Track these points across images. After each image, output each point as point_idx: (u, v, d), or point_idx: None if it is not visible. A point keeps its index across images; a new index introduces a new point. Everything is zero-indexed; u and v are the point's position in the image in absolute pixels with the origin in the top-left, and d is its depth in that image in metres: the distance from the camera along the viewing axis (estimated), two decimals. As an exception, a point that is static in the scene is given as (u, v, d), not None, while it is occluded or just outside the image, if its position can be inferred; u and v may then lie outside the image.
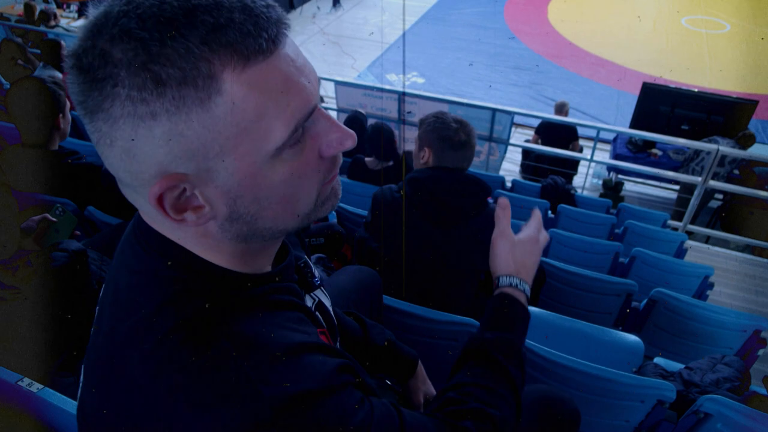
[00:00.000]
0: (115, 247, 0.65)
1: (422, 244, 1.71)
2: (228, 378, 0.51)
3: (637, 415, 1.45)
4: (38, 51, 5.16)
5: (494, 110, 5.30)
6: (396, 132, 5.71)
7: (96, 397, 0.56)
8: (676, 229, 4.66)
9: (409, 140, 5.78)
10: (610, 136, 6.43)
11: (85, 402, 0.58)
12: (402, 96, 5.70)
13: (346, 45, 9.92)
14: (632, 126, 5.81)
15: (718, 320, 2.17)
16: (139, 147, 0.48)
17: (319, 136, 0.56)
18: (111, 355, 0.55)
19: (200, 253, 0.58)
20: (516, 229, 0.97)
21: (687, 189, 5.14)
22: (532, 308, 1.79)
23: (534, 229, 0.98)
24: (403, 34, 10.93)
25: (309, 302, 0.73)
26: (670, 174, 4.95)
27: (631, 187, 6.26)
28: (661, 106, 5.70)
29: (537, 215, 1.03)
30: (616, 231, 3.48)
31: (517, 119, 6.22)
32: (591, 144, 5.33)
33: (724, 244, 4.76)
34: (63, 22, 8.49)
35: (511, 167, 6.32)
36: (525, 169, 6.01)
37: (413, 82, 9.15)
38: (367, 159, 3.33)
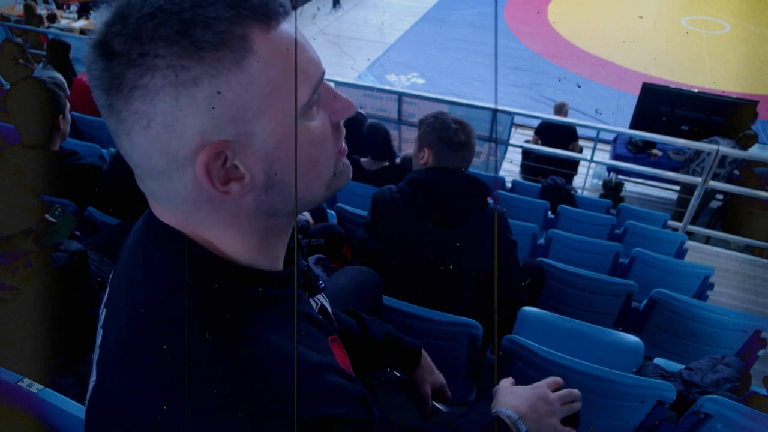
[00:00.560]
0: (115, 247, 0.64)
1: (422, 245, 1.71)
2: (253, 388, 0.51)
3: (637, 415, 1.45)
4: (36, 51, 5.18)
5: (494, 111, 5.30)
6: (395, 132, 5.75)
7: (113, 397, 0.55)
8: (676, 229, 4.66)
9: (407, 141, 5.79)
10: (610, 137, 6.43)
11: (99, 401, 0.57)
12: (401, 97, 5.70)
13: (346, 45, 9.92)
14: (632, 126, 5.81)
15: (719, 320, 2.16)
16: (181, 118, 0.49)
17: (326, 104, 0.59)
18: (130, 356, 0.55)
19: (223, 239, 0.58)
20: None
21: (687, 189, 5.14)
22: (532, 309, 1.79)
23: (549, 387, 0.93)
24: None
25: (313, 305, 0.73)
26: (670, 174, 4.95)
27: (631, 187, 6.26)
28: (661, 106, 5.70)
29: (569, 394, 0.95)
30: (616, 231, 3.47)
31: (517, 120, 6.22)
32: (591, 144, 5.33)
33: (724, 244, 4.76)
34: (63, 23, 8.50)
35: (511, 168, 6.32)
36: (525, 169, 6.01)
37: (413, 82, 9.16)
38: (362, 160, 3.33)
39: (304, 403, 0.52)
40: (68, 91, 2.07)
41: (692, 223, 4.84)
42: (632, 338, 1.73)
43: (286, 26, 0.53)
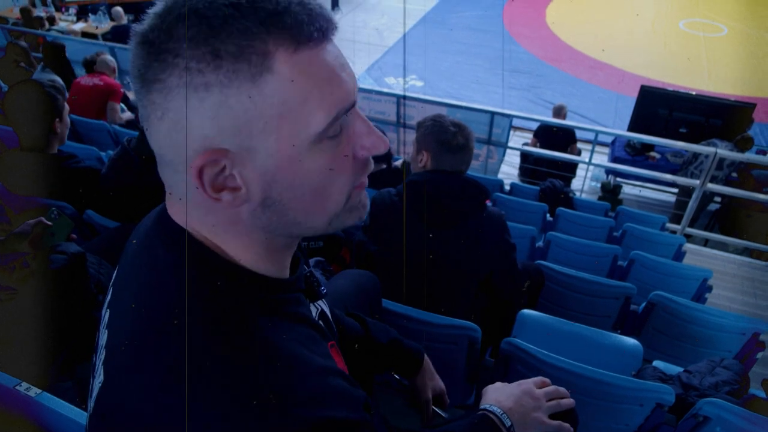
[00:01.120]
0: (114, 250, 0.64)
1: (421, 247, 1.71)
2: (258, 389, 0.51)
3: (636, 418, 1.45)
4: (35, 54, 5.19)
5: (493, 113, 5.31)
6: (394, 135, 5.76)
7: (121, 398, 0.55)
8: (674, 232, 4.67)
9: (406, 143, 5.79)
10: (609, 139, 6.44)
11: (107, 402, 0.57)
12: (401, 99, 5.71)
13: (345, 48, 9.87)
14: (630, 129, 5.82)
15: (717, 323, 2.17)
16: (188, 118, 0.51)
17: (355, 136, 0.58)
18: (138, 356, 0.55)
19: (228, 243, 0.58)
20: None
21: (685, 192, 5.15)
22: (531, 311, 1.79)
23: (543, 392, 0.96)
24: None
25: (313, 311, 0.73)
26: (668, 177, 4.96)
27: (629, 190, 6.27)
28: (660, 109, 5.71)
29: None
30: (615, 234, 3.48)
31: (516, 122, 6.23)
32: (589, 147, 5.33)
33: (722, 246, 4.76)
34: (62, 25, 8.50)
35: (509, 170, 6.33)
36: (523, 172, 6.02)
37: (412, 85, 9.17)
38: None
39: (310, 404, 0.52)
40: (67, 94, 2.07)
41: (690, 225, 4.85)
42: (631, 341, 1.73)
43: (324, 49, 0.53)
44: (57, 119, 1.95)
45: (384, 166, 3.32)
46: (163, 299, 0.55)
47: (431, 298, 1.70)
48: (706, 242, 4.95)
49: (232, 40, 0.48)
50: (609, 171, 5.87)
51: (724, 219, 5.43)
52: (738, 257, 4.41)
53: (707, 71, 9.67)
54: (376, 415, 0.64)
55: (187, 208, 0.58)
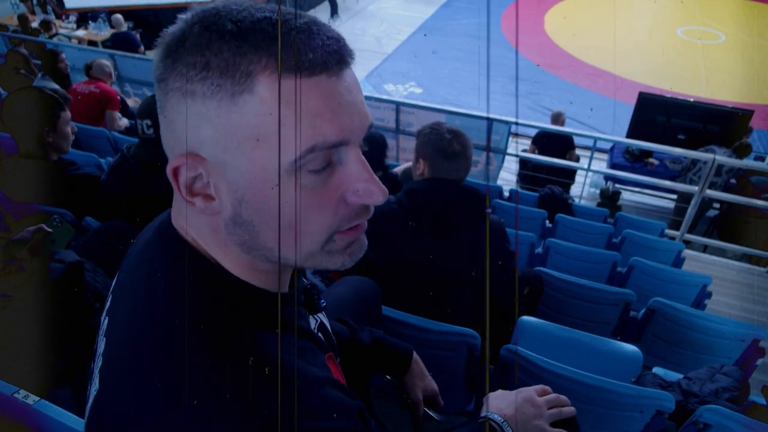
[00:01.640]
0: (99, 249, 0.66)
1: (420, 255, 1.71)
2: (253, 402, 0.51)
3: (635, 425, 1.44)
4: (35, 61, 5.19)
5: (491, 120, 5.32)
6: (392, 141, 5.76)
7: (115, 405, 0.55)
8: (673, 238, 4.67)
9: (405, 150, 5.80)
10: (607, 146, 6.45)
11: (101, 409, 0.58)
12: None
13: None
14: (629, 135, 5.83)
15: (717, 329, 2.16)
16: (177, 120, 0.53)
17: (347, 180, 0.56)
18: (132, 364, 0.55)
19: (221, 255, 0.59)
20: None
21: (684, 198, 5.15)
22: (530, 318, 1.79)
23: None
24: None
25: (312, 323, 0.73)
26: (667, 183, 4.97)
27: (628, 196, 6.27)
28: (658, 115, 5.72)
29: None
30: (614, 240, 3.48)
31: (515, 129, 6.24)
32: (588, 153, 5.34)
33: (721, 253, 4.76)
34: (62, 32, 8.52)
35: (508, 177, 6.33)
36: (522, 178, 6.02)
37: (411, 92, 9.19)
38: None
39: (306, 417, 0.52)
40: (68, 103, 2.07)
41: (689, 231, 4.85)
42: (630, 348, 1.73)
43: (320, 82, 0.51)
44: (48, 129, 1.94)
45: (380, 173, 3.33)
46: (160, 310, 0.56)
47: (430, 306, 1.69)
48: (705, 248, 4.95)
49: (223, 55, 0.50)
50: (608, 177, 5.88)
51: (723, 225, 5.43)
52: (737, 263, 4.41)
53: (705, 78, 9.71)
54: (371, 422, 0.64)
55: (179, 207, 0.60)
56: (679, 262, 3.32)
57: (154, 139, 1.91)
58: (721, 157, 4.48)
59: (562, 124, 5.67)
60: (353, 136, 0.54)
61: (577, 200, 5.06)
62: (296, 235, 0.55)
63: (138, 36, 8.50)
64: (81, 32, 8.71)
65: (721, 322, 2.17)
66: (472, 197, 1.71)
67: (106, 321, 0.62)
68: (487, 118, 5.32)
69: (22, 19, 7.69)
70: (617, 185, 5.89)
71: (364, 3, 13.34)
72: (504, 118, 5.40)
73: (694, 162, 5.13)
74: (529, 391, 0.94)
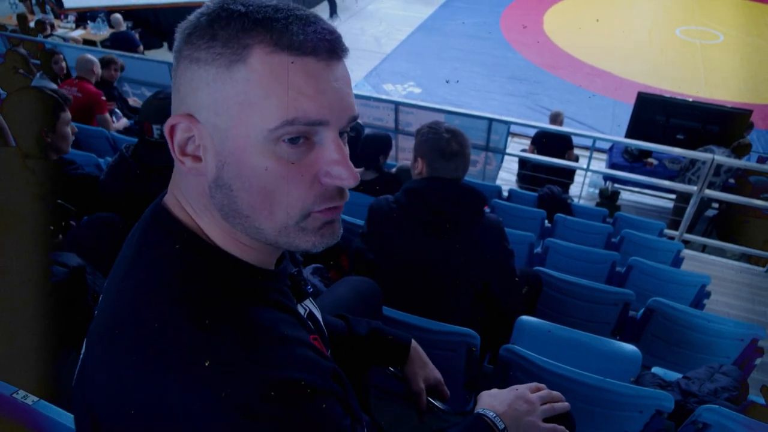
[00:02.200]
0: (86, 241, 0.69)
1: (419, 255, 1.71)
2: (224, 358, 0.54)
3: (635, 425, 1.44)
4: (34, 61, 5.19)
5: (491, 120, 5.33)
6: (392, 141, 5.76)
7: (97, 368, 0.59)
8: (672, 238, 4.67)
9: (404, 150, 5.80)
10: (606, 146, 6.46)
11: (81, 376, 0.62)
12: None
13: (348, 56, 9.91)
14: (628, 135, 5.84)
15: (716, 329, 2.17)
16: (182, 84, 0.59)
17: (322, 160, 0.59)
18: (114, 328, 0.58)
19: (207, 225, 0.63)
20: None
21: (683, 198, 5.16)
22: (529, 318, 1.79)
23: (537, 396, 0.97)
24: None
25: (301, 311, 0.74)
26: (666, 183, 4.97)
27: (627, 196, 6.28)
28: (657, 115, 5.73)
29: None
30: (613, 240, 3.48)
31: (514, 129, 6.24)
32: (587, 153, 5.34)
33: (720, 252, 4.77)
34: (60, 32, 8.51)
35: (508, 177, 6.34)
36: (522, 178, 6.03)
37: (410, 92, 9.19)
38: (357, 170, 3.33)
39: (276, 366, 0.55)
40: (68, 103, 2.06)
41: (688, 231, 4.85)
42: (630, 347, 1.73)
43: (311, 63, 0.56)
44: (47, 129, 1.94)
45: (377, 174, 3.33)
46: (142, 278, 0.60)
47: (430, 305, 1.69)
48: (704, 248, 4.96)
49: (228, 29, 0.56)
50: (607, 177, 5.88)
51: (721, 225, 5.44)
52: (736, 263, 4.41)
53: (704, 78, 9.72)
54: (367, 418, 0.65)
55: (175, 174, 0.65)
56: (678, 261, 3.33)
57: (164, 144, 1.92)
58: (719, 157, 4.48)
59: (560, 124, 5.67)
60: (333, 118, 0.58)
61: (576, 200, 5.07)
62: (270, 205, 0.59)
63: (137, 35, 8.50)
64: (77, 32, 8.69)
65: (720, 322, 2.17)
66: (470, 196, 1.71)
67: (101, 298, 0.66)
68: (487, 118, 5.32)
69: (21, 19, 7.69)
70: (616, 185, 5.90)
71: (363, 3, 13.35)
72: (503, 117, 5.39)
73: (693, 162, 5.13)
74: (522, 388, 0.97)
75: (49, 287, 1.27)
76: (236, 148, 0.57)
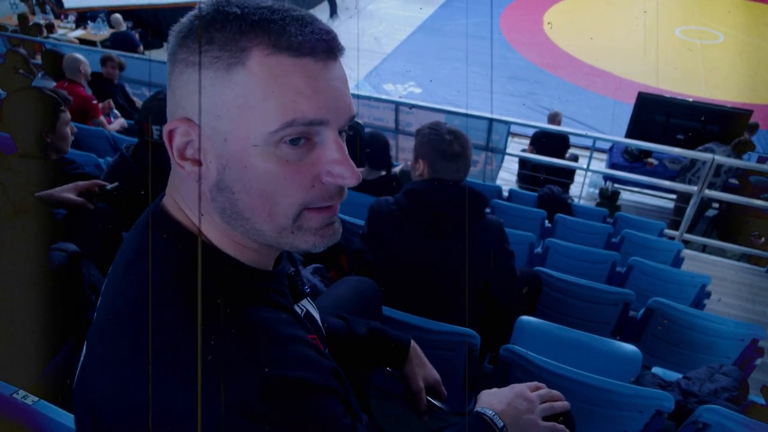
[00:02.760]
0: (77, 232, 0.69)
1: (419, 255, 1.70)
2: (223, 358, 0.54)
3: (635, 425, 1.44)
4: (33, 61, 5.18)
5: (491, 120, 5.33)
6: (392, 141, 5.76)
7: (97, 369, 0.59)
8: (672, 238, 4.67)
9: (404, 150, 5.80)
10: (606, 146, 6.46)
11: (83, 375, 0.62)
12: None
13: (343, 55, 9.93)
14: (628, 135, 5.84)
15: (716, 329, 2.16)
16: (178, 88, 0.59)
17: (323, 159, 0.59)
18: (113, 328, 0.59)
19: (206, 227, 0.63)
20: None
21: (684, 198, 5.16)
22: (529, 318, 1.79)
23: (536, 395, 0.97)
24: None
25: (298, 311, 0.74)
26: (666, 183, 4.97)
27: (627, 196, 6.28)
28: (657, 115, 5.73)
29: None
30: (613, 240, 3.48)
31: (514, 129, 6.25)
32: (587, 153, 5.34)
33: (720, 252, 4.77)
34: (60, 32, 8.52)
35: (508, 177, 6.34)
36: (522, 178, 6.03)
37: (410, 92, 9.19)
38: (359, 169, 3.33)
39: (275, 365, 0.56)
40: (68, 104, 2.06)
41: (689, 231, 4.85)
42: (630, 347, 1.73)
43: (308, 64, 0.56)
44: (47, 129, 1.94)
45: (383, 172, 3.32)
46: (143, 278, 0.60)
47: (429, 306, 1.69)
48: (704, 248, 4.95)
49: (225, 32, 0.55)
50: (607, 177, 5.88)
51: (722, 225, 5.44)
52: (736, 263, 4.41)
53: (704, 78, 9.72)
54: (366, 417, 0.65)
55: (173, 177, 0.65)
56: (678, 261, 3.32)
57: (164, 145, 1.92)
58: (719, 157, 4.48)
59: (558, 123, 5.67)
60: (332, 118, 0.58)
61: (576, 200, 5.07)
62: (270, 207, 0.59)
63: (137, 36, 8.50)
64: (77, 33, 8.69)
65: (720, 322, 2.17)
66: (471, 197, 1.70)
67: (100, 299, 0.66)
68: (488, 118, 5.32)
69: (22, 19, 7.69)
70: (616, 185, 5.90)
71: (363, 3, 13.34)
72: (503, 117, 5.39)
73: (693, 162, 5.13)
74: (521, 387, 0.96)
75: (49, 274, 1.27)
76: (237, 151, 0.57)
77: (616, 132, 7.33)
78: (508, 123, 5.35)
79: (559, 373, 1.43)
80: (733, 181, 5.38)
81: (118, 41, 7.96)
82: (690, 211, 4.62)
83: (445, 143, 1.71)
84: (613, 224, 3.88)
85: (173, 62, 0.59)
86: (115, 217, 1.75)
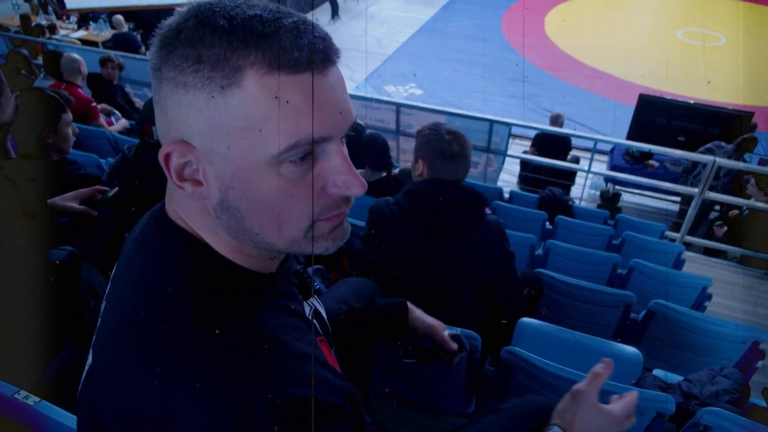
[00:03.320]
0: (78, 235, 0.68)
1: (419, 257, 1.70)
2: (235, 370, 0.53)
3: (636, 427, 1.44)
4: (35, 61, 5.19)
5: (492, 122, 5.33)
6: (393, 143, 5.76)
7: (101, 376, 0.58)
8: (673, 240, 4.67)
9: (405, 151, 5.80)
10: (608, 148, 6.45)
11: (90, 382, 0.61)
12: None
13: (345, 57, 9.80)
14: (629, 137, 5.84)
15: (717, 332, 2.16)
16: (170, 109, 0.56)
17: (328, 171, 0.58)
18: (118, 336, 0.58)
19: (211, 238, 0.62)
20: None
21: (688, 201, 5.15)
22: (530, 320, 1.79)
23: (620, 410, 0.97)
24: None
25: (306, 309, 0.74)
26: (667, 185, 4.97)
27: (628, 198, 6.27)
28: (658, 117, 5.73)
29: (631, 399, 1.00)
30: (614, 242, 3.48)
31: (515, 130, 6.25)
32: (588, 155, 5.33)
33: (722, 255, 4.76)
34: (62, 33, 8.53)
35: (509, 178, 6.33)
36: (523, 180, 6.02)
37: (411, 93, 9.20)
38: (360, 171, 3.34)
39: (288, 384, 0.55)
40: (70, 104, 2.07)
41: (691, 234, 4.84)
42: (631, 349, 1.73)
43: (306, 79, 0.54)
44: (49, 130, 1.94)
45: (383, 174, 3.33)
46: (143, 284, 0.60)
47: (430, 307, 1.69)
48: (705, 250, 4.95)
49: (215, 49, 0.52)
50: (608, 179, 5.88)
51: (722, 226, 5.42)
52: (738, 265, 4.40)
53: (705, 80, 9.71)
54: (364, 412, 0.65)
55: (172, 192, 0.63)
56: (679, 263, 3.32)
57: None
58: (720, 159, 4.47)
59: (561, 125, 5.67)
60: (335, 132, 0.57)
61: (577, 202, 5.06)
62: (279, 222, 0.58)
63: (139, 37, 8.51)
64: (79, 33, 8.70)
65: (722, 325, 2.17)
66: (471, 198, 1.71)
67: (104, 304, 0.65)
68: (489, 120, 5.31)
69: (24, 20, 7.70)
70: (617, 187, 5.89)
71: (364, 4, 13.36)
72: (504, 119, 5.39)
73: (695, 164, 5.13)
74: (600, 408, 0.98)
75: (50, 273, 1.27)
76: (239, 171, 0.55)
77: (617, 134, 7.32)
78: (509, 125, 5.35)
79: (559, 375, 1.42)
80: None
81: (119, 42, 7.97)
82: (691, 213, 4.61)
83: (444, 143, 1.71)
84: (614, 226, 3.87)
85: (159, 79, 0.56)
86: (118, 219, 1.75)
